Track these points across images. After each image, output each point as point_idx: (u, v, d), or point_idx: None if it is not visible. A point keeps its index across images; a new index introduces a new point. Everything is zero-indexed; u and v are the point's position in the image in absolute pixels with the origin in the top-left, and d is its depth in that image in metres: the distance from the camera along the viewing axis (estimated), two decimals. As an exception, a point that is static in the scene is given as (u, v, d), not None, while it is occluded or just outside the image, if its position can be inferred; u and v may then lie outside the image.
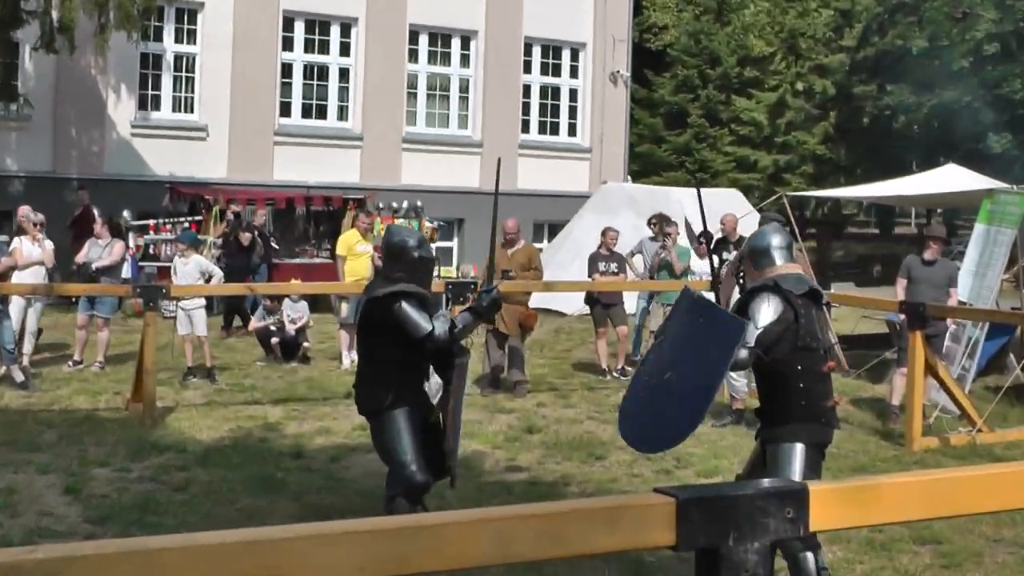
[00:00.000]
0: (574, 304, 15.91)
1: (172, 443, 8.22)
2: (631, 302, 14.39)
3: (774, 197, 18.82)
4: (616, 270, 11.92)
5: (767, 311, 5.02)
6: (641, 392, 4.71)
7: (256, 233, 15.10)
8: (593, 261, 12.10)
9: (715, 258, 12.11)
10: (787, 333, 5.01)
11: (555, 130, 23.73)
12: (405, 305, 5.58)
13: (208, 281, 11.21)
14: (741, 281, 5.65)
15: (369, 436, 8.45)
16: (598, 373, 12.17)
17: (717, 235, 12.72)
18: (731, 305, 5.07)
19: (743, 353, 4.86)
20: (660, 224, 12.08)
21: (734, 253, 11.76)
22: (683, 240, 18.18)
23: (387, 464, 5.70)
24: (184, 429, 8.74)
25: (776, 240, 5.34)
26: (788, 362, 5.02)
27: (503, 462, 7.98)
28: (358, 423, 8.95)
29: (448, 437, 5.78)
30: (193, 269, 11.09)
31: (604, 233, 12.21)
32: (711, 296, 10.17)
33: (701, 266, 12.08)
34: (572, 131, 23.85)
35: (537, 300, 14.98)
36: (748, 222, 14.64)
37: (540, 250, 14.18)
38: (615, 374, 11.84)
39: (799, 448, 5.00)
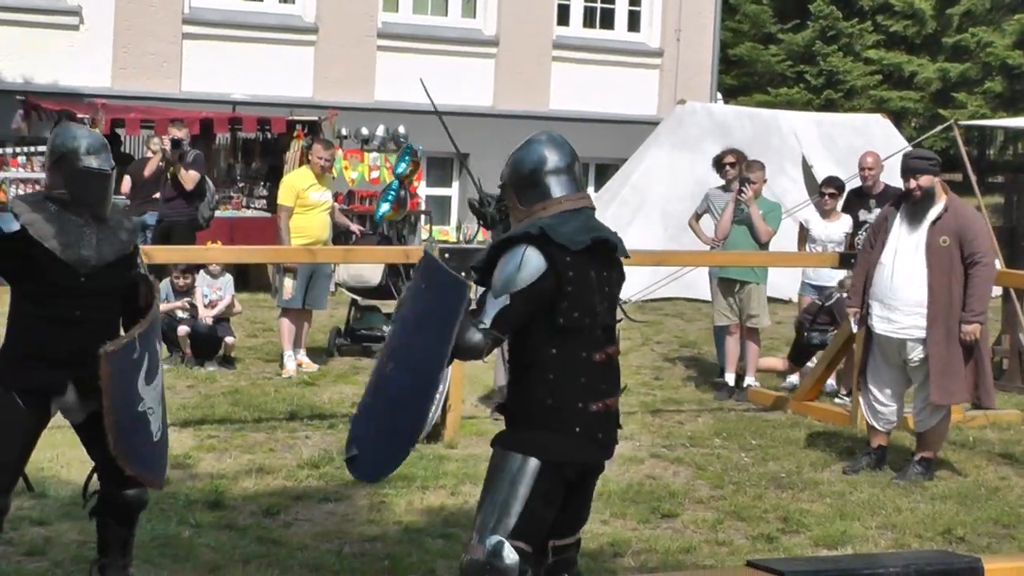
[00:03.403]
0: (633, 284, 15.92)
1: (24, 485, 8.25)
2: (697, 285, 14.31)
3: (941, 127, 18.76)
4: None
5: (517, 276, 4.99)
6: (363, 399, 5.27)
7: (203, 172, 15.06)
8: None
9: (848, 220, 12.16)
10: (543, 307, 5.03)
11: (608, 21, 23.67)
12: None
13: None
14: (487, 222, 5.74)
15: (322, 480, 8.54)
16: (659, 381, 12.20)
17: (850, 184, 12.69)
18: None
19: (474, 337, 4.99)
20: (739, 165, 12.05)
21: (877, 212, 11.74)
22: (786, 190, 18.13)
23: None
24: (44, 463, 8.77)
25: (553, 157, 5.22)
26: (538, 347, 5.09)
27: (523, 520, 8.01)
28: (308, 457, 9.01)
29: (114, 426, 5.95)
30: None
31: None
32: (840, 276, 10.09)
33: (827, 231, 12.05)
34: (633, 23, 23.78)
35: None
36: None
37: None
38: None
39: (531, 465, 5.06)
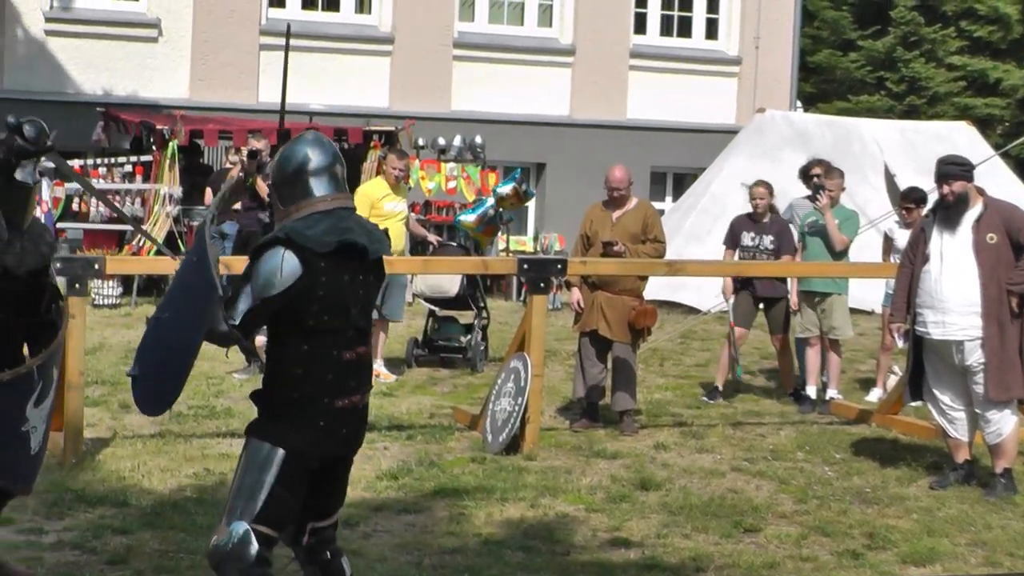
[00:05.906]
0: (712, 296, 15.82)
1: (106, 493, 8.30)
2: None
3: (1027, 135, 18.50)
4: (772, 245, 11.87)
5: (277, 277, 5.21)
6: (146, 333, 5.53)
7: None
8: (735, 231, 12.12)
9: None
10: (295, 306, 5.26)
11: (685, 30, 23.60)
12: None
13: None
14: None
15: (401, 491, 8.54)
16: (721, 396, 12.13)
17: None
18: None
19: (222, 327, 5.25)
20: (823, 173, 11.99)
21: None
22: (868, 199, 17.95)
23: None
24: (125, 472, 8.86)
25: (317, 157, 5.40)
26: (289, 342, 5.34)
27: (603, 533, 7.98)
28: (386, 469, 9.01)
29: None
30: None
31: (752, 189, 12.16)
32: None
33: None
34: (711, 31, 23.69)
35: (657, 289, 14.94)
36: (986, 174, 14.45)
37: (661, 213, 14.13)
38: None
39: (277, 454, 5.31)
